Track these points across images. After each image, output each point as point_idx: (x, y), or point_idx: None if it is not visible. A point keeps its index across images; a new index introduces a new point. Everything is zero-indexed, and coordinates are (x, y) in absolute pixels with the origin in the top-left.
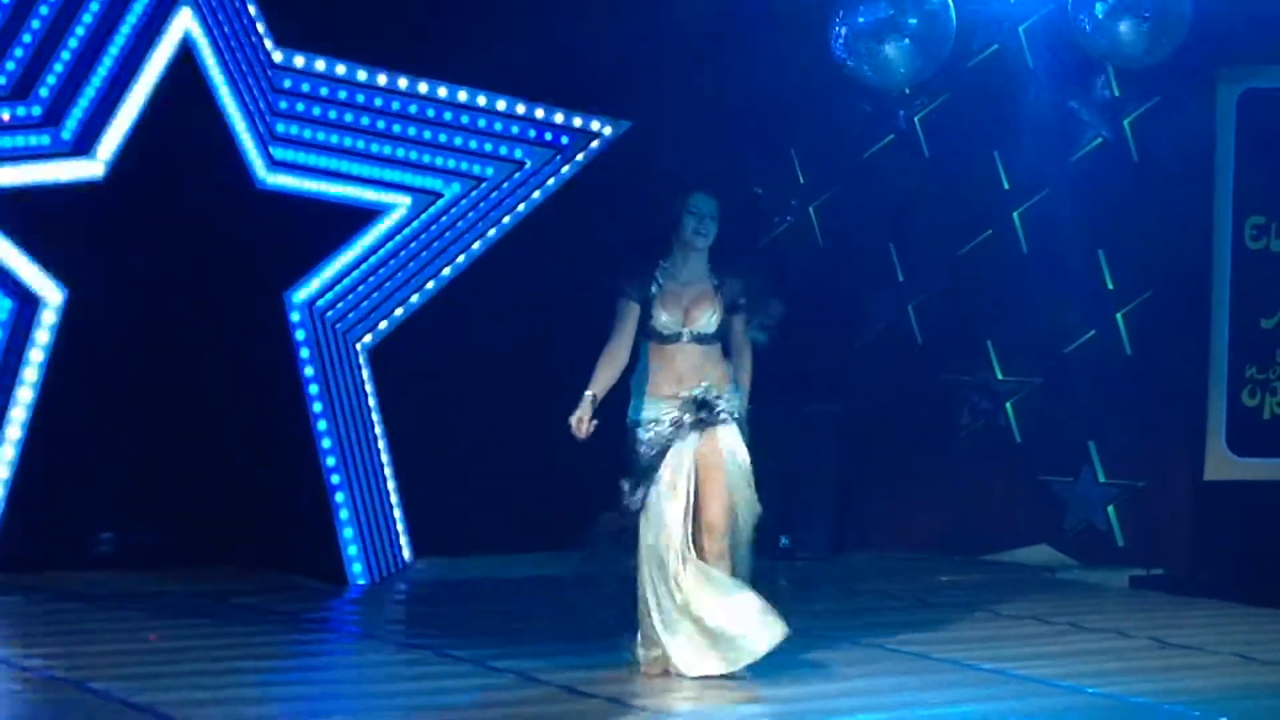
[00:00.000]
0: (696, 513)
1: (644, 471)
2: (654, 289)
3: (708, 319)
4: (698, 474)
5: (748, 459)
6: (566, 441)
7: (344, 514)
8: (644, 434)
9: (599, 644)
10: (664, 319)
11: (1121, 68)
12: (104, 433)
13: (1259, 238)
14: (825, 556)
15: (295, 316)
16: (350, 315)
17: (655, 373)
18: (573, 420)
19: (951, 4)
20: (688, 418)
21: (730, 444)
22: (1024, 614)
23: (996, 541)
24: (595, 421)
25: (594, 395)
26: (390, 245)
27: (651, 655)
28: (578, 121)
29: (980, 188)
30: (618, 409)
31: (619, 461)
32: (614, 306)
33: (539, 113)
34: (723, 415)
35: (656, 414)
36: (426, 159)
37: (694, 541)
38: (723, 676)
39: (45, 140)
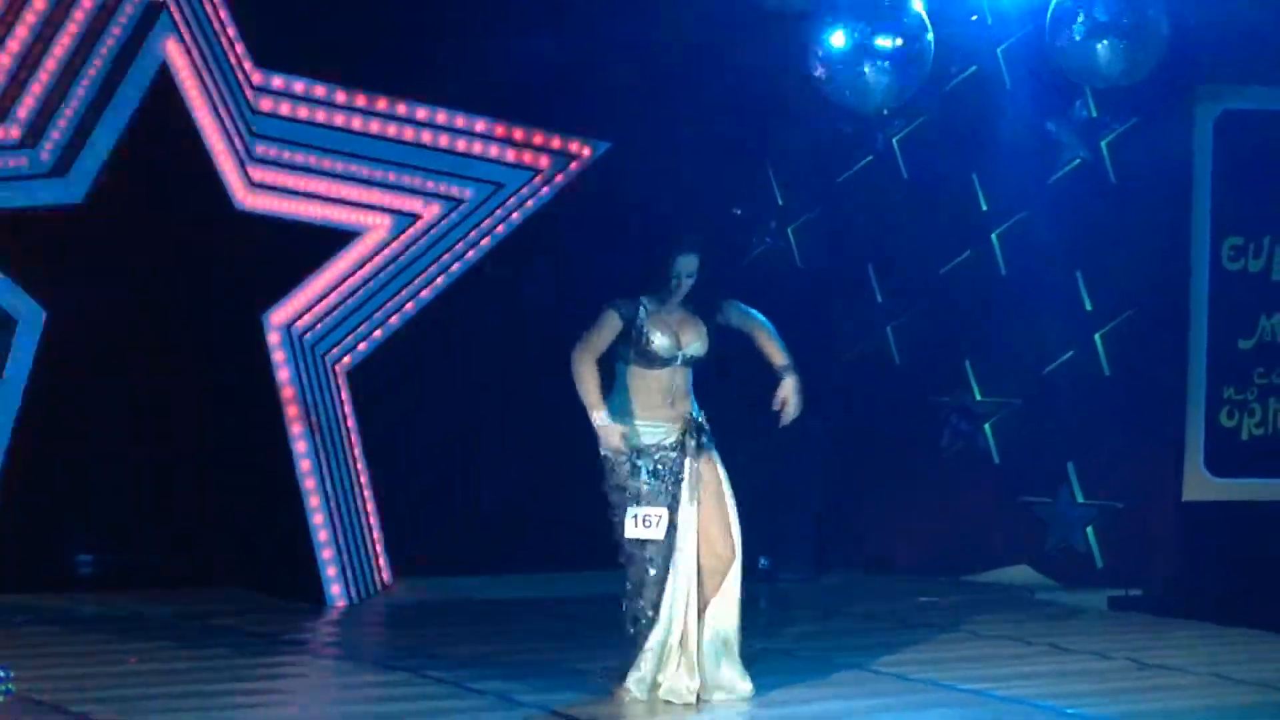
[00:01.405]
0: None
1: (655, 497)
2: (642, 313)
3: (699, 344)
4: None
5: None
6: (545, 463)
7: (323, 535)
8: (648, 461)
9: (578, 665)
10: (663, 342)
11: (1099, 89)
12: (82, 454)
13: (1237, 258)
14: (805, 577)
15: (274, 338)
16: (329, 337)
17: (644, 395)
18: (613, 445)
19: (930, 26)
20: (690, 440)
21: (721, 471)
22: (1003, 635)
23: (976, 562)
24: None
25: (605, 413)
26: (370, 267)
27: (642, 680)
28: (557, 143)
29: (959, 209)
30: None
31: (597, 485)
32: (597, 315)
33: (518, 134)
34: (711, 442)
35: (657, 438)
36: (405, 180)
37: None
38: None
39: (23, 162)
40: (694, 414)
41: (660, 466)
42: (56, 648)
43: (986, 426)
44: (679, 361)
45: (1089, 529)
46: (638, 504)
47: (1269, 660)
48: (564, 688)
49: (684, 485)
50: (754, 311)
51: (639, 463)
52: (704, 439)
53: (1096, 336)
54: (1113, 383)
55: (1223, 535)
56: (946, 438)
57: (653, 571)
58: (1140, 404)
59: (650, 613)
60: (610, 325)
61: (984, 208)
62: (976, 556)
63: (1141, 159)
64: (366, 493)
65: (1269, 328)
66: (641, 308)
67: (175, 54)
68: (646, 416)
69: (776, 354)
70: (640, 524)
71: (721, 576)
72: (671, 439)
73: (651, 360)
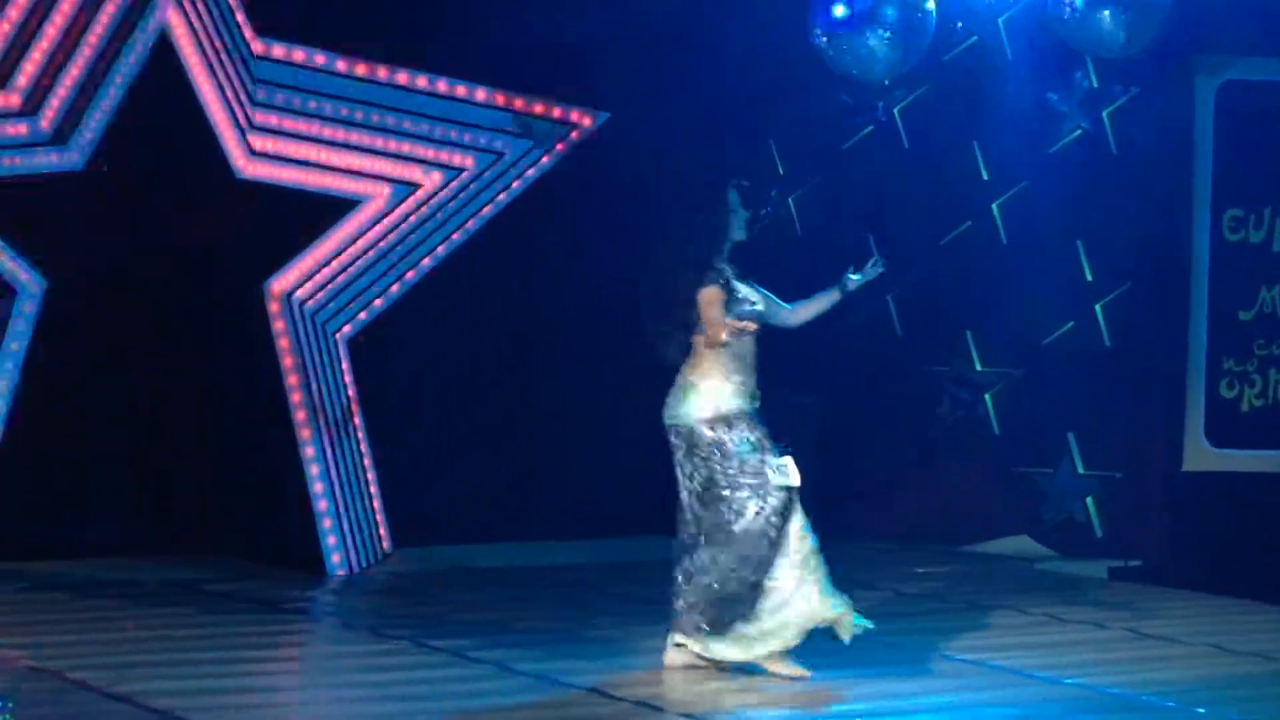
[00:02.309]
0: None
1: (746, 461)
2: (734, 279)
3: (769, 306)
4: None
5: None
6: (546, 431)
7: (323, 504)
8: (739, 429)
9: (578, 634)
10: (761, 304)
11: (1101, 59)
12: (82, 422)
13: (1237, 229)
14: None
15: (274, 307)
16: (330, 306)
17: (731, 364)
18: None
19: None
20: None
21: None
22: (1002, 605)
23: (975, 532)
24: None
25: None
26: (370, 235)
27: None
28: (558, 112)
29: (960, 179)
30: (598, 410)
31: (596, 453)
32: (700, 296)
33: (518, 103)
34: None
35: (743, 405)
36: (406, 149)
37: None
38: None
39: (23, 130)
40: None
41: (751, 435)
42: (54, 614)
43: (987, 397)
44: (759, 323)
45: (1088, 499)
46: (763, 459)
47: (1267, 631)
48: (562, 656)
49: (769, 457)
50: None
51: (737, 433)
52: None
53: (1097, 307)
54: (1113, 353)
55: (1222, 506)
56: (946, 408)
57: (771, 535)
58: (1140, 375)
59: (754, 577)
60: (719, 297)
61: (985, 178)
62: (976, 526)
63: (1142, 130)
64: (367, 461)
65: (1270, 299)
66: (727, 275)
67: (176, 22)
68: (738, 383)
69: (825, 298)
70: (778, 473)
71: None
72: (751, 408)
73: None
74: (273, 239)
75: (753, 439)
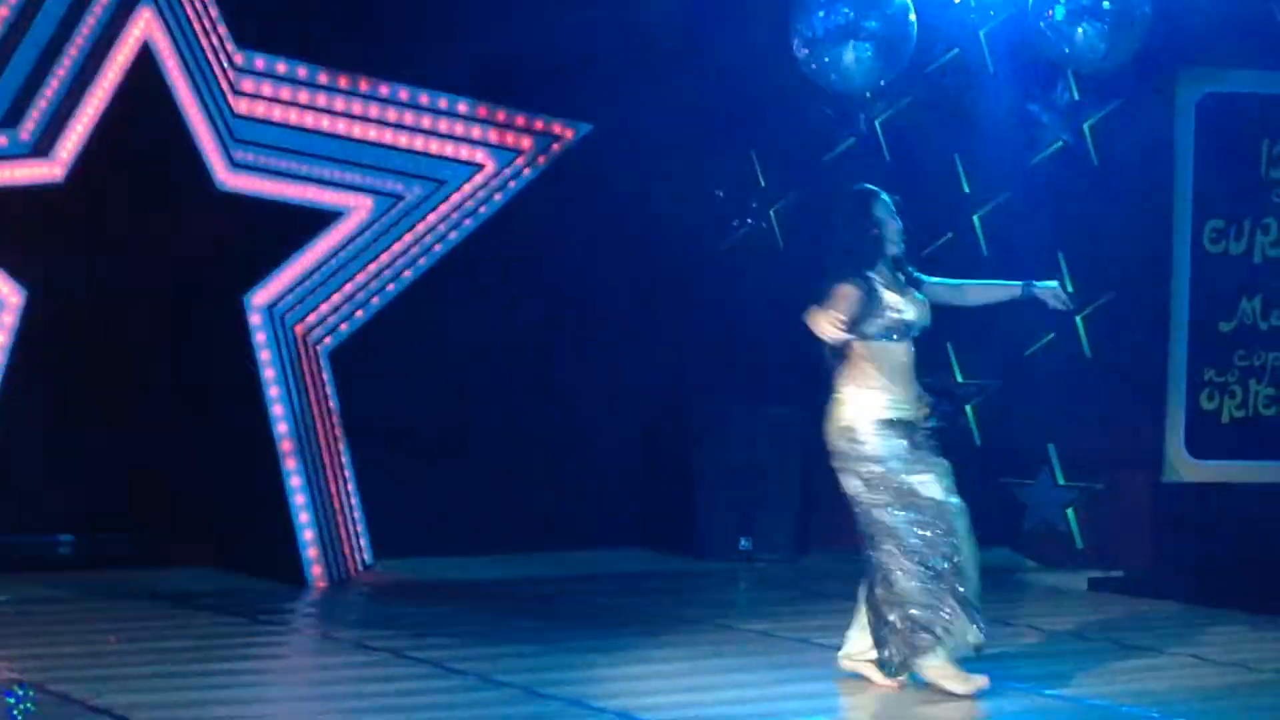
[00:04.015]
0: None
1: (917, 466)
2: (876, 283)
3: (925, 311)
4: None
5: None
6: (528, 443)
7: (304, 515)
8: (902, 431)
9: (559, 645)
10: (910, 309)
11: (1081, 71)
12: (63, 434)
13: (1218, 241)
14: (786, 559)
15: (256, 319)
16: (311, 318)
17: (887, 371)
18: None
19: (912, 8)
20: (922, 421)
21: None
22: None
23: None
24: None
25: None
26: (352, 247)
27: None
28: (539, 125)
29: (941, 191)
30: (582, 421)
31: (579, 465)
32: (833, 291)
33: (500, 115)
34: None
35: (903, 414)
36: (388, 161)
37: None
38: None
39: (3, 142)
40: (928, 398)
41: (918, 436)
42: (35, 627)
43: (967, 408)
44: (914, 331)
45: (1069, 510)
46: (908, 473)
47: (1247, 641)
48: (545, 667)
49: (931, 463)
50: (950, 280)
51: (894, 437)
52: (931, 422)
53: (1078, 319)
54: (1094, 365)
55: (1202, 517)
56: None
57: (929, 534)
58: (1121, 386)
59: (935, 580)
60: (853, 297)
61: (966, 190)
62: None
63: (1124, 142)
64: (348, 472)
65: (1250, 310)
66: (872, 279)
67: (157, 33)
68: (894, 393)
69: (1004, 288)
70: (928, 486)
71: None
72: (916, 416)
73: (900, 332)
74: (254, 251)
75: (903, 452)
